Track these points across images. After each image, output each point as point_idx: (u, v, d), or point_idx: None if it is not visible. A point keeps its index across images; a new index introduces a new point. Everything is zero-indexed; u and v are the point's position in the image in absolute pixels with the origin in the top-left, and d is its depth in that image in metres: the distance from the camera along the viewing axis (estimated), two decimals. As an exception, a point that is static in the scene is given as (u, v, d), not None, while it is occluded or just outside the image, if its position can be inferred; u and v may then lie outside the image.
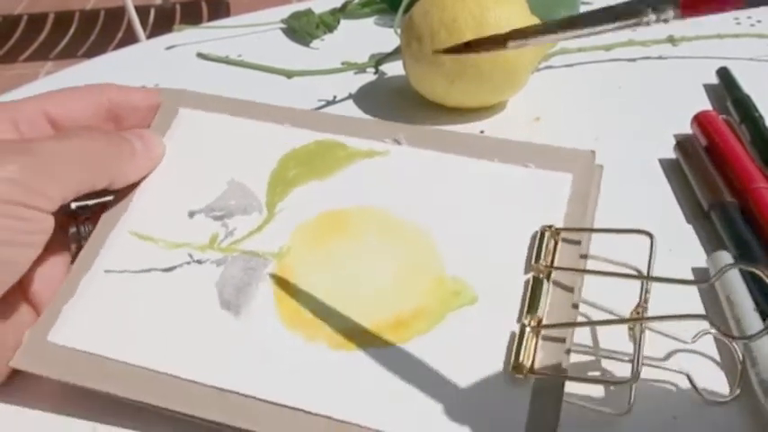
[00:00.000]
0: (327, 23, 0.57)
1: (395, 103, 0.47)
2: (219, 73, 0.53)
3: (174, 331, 0.28)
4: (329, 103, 0.48)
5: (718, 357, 0.29)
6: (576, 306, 0.28)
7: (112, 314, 0.28)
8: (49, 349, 0.27)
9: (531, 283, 0.27)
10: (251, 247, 0.29)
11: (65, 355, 0.27)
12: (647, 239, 0.28)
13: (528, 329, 0.26)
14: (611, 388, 0.28)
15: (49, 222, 0.28)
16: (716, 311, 0.31)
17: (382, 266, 0.29)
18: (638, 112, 0.45)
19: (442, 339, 0.27)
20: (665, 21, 0.19)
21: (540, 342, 0.26)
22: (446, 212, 0.30)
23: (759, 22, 0.53)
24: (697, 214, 0.37)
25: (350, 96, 0.49)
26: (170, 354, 0.27)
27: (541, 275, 0.27)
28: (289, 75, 0.51)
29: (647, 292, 0.27)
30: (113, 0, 2.07)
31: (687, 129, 0.41)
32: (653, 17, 0.19)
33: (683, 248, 0.35)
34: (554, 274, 0.28)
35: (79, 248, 0.31)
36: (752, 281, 0.31)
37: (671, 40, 0.50)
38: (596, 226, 0.31)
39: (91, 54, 1.62)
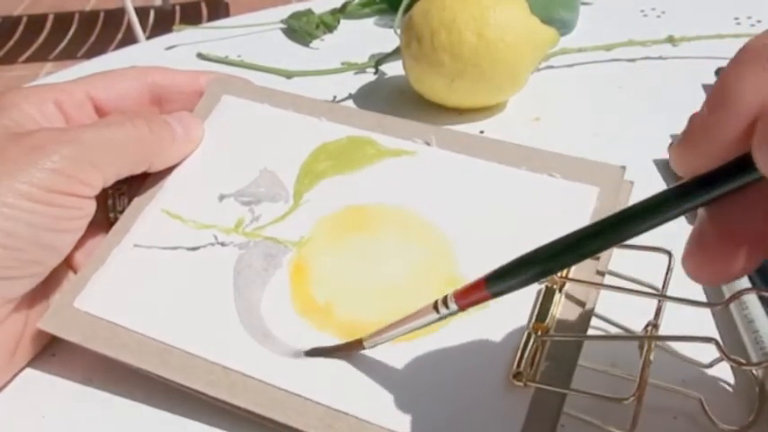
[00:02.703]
0: (327, 23, 0.57)
1: (395, 103, 0.47)
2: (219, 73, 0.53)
3: (190, 308, 0.29)
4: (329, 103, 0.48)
5: (733, 382, 0.28)
6: (586, 319, 0.27)
7: (136, 287, 0.29)
8: (73, 315, 0.29)
9: (543, 292, 0.27)
10: (273, 234, 0.30)
11: (88, 321, 0.28)
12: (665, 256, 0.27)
13: (533, 338, 0.26)
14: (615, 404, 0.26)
15: (90, 208, 0.29)
16: (732, 334, 0.30)
17: (397, 264, 0.29)
18: (638, 112, 0.45)
19: (447, 341, 0.27)
20: (449, 310, 0.23)
21: (546, 352, 0.26)
22: (467, 216, 0.30)
23: (759, 21, 0.53)
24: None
25: (350, 96, 0.49)
26: (183, 329, 0.28)
27: (555, 286, 0.27)
28: (288, 75, 0.51)
29: (660, 310, 0.26)
30: (113, 1, 2.07)
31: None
32: (443, 310, 0.23)
33: (682, 249, 0.35)
34: (567, 286, 0.27)
35: (115, 219, 0.32)
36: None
37: (671, 39, 0.50)
38: None
39: (90, 55, 1.62)
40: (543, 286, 0.28)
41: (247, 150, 0.33)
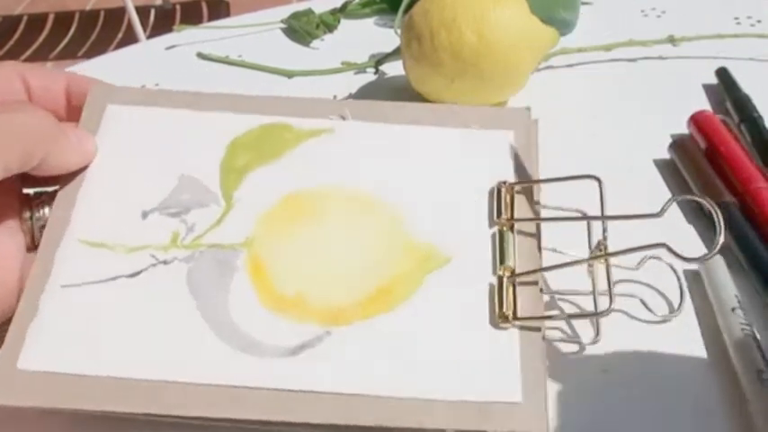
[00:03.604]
0: (327, 23, 0.57)
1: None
2: (219, 73, 0.53)
3: (157, 337, 0.27)
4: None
5: (663, 283, 0.33)
6: (538, 253, 0.29)
7: (83, 329, 0.27)
8: (21, 377, 0.26)
9: (497, 236, 0.29)
10: (216, 240, 0.29)
11: (42, 380, 0.26)
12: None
13: (505, 280, 0.28)
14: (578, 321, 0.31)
15: None
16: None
17: (354, 241, 0.29)
18: (638, 112, 0.45)
19: (425, 302, 0.28)
20: None
21: (518, 289, 0.28)
22: (403, 181, 0.31)
23: (759, 21, 0.53)
24: (697, 214, 0.37)
25: (350, 96, 0.49)
26: (159, 360, 0.26)
27: (505, 228, 0.29)
28: (289, 75, 0.51)
29: (604, 230, 0.29)
30: (113, 0, 2.07)
31: (685, 129, 0.41)
32: None
33: (683, 249, 0.35)
34: (517, 226, 0.29)
35: (35, 233, 0.30)
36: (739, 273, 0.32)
37: (671, 39, 0.50)
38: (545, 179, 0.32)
39: (91, 54, 1.62)
40: (496, 231, 0.29)
41: (156, 159, 0.31)
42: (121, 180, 0.30)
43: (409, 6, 0.47)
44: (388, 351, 0.27)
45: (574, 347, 0.30)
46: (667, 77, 0.48)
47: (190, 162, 0.31)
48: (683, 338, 0.31)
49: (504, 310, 0.27)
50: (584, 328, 0.30)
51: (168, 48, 0.57)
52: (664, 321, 0.31)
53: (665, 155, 0.41)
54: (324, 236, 0.29)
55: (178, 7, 2.11)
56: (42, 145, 0.28)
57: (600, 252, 0.29)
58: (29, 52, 1.98)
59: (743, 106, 0.42)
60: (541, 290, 0.28)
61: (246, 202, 0.30)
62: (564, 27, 0.52)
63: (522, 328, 0.27)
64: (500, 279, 0.28)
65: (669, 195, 0.38)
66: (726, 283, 0.31)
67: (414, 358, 0.26)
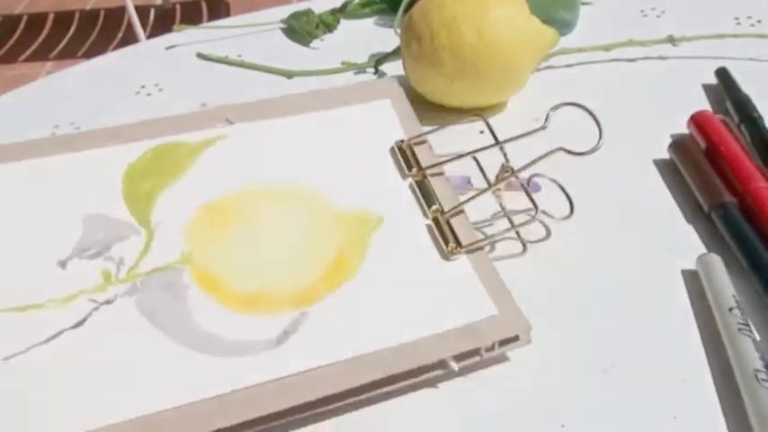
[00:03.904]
0: (327, 23, 0.57)
1: (395, 103, 0.47)
2: (219, 73, 0.53)
3: (128, 376, 0.26)
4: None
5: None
6: (451, 189, 0.32)
7: (46, 396, 0.25)
8: None
9: (415, 186, 0.32)
10: (152, 266, 0.28)
11: None
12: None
13: (440, 219, 0.31)
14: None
15: None
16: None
17: (288, 228, 0.30)
18: (638, 112, 0.45)
19: (380, 259, 0.29)
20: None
21: (452, 224, 0.30)
22: (310, 164, 0.32)
23: (759, 22, 0.53)
24: (697, 214, 0.37)
25: (350, 96, 0.49)
26: (140, 396, 0.25)
27: (418, 178, 0.32)
28: (289, 75, 0.51)
29: (505, 155, 0.34)
30: (113, 0, 2.07)
31: (685, 129, 0.41)
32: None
33: (683, 249, 0.35)
34: (428, 172, 0.32)
35: None
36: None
37: (671, 39, 0.50)
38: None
39: (91, 54, 1.62)
40: (413, 182, 0.32)
41: (50, 209, 0.29)
42: (19, 239, 0.28)
43: (409, 6, 0.47)
44: (367, 310, 0.28)
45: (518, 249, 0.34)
46: (667, 77, 0.48)
47: (89, 202, 0.29)
48: (681, 338, 0.31)
49: (451, 243, 0.30)
50: (512, 242, 0.34)
51: (168, 48, 0.57)
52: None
53: (665, 155, 0.41)
54: (258, 231, 0.30)
55: (178, 7, 2.12)
56: None
57: (506, 173, 0.34)
58: (29, 52, 1.98)
59: (743, 106, 0.42)
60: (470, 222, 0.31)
61: (167, 223, 0.29)
62: (564, 27, 0.52)
63: (468, 252, 0.30)
64: (435, 220, 0.31)
65: (669, 195, 0.38)
66: (724, 283, 0.31)
67: (391, 309, 0.28)
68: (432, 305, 0.28)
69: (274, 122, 0.32)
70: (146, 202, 0.30)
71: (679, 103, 0.44)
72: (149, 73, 0.54)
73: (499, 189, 0.34)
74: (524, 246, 0.33)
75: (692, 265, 0.34)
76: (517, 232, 0.33)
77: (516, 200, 0.35)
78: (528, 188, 0.34)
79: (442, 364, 0.27)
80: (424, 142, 0.33)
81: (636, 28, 0.53)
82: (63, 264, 0.28)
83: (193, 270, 0.28)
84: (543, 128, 0.32)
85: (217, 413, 0.25)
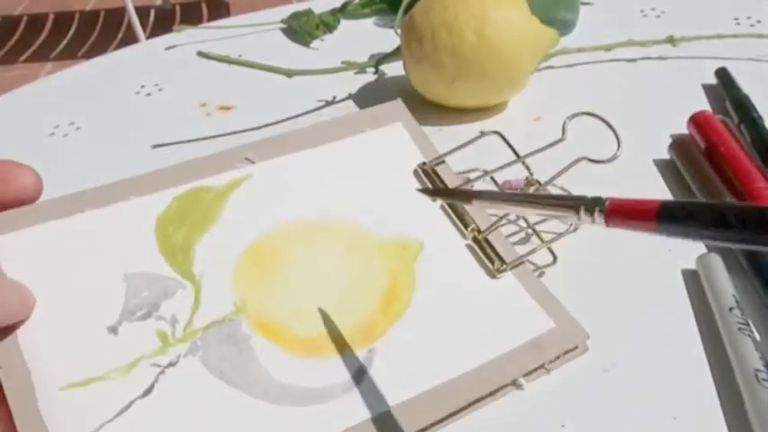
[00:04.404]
0: (327, 23, 0.57)
1: (395, 103, 0.47)
2: (219, 73, 0.53)
3: None
4: (329, 103, 0.48)
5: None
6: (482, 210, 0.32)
7: None
8: None
9: (447, 207, 0.32)
10: (208, 321, 0.27)
11: None
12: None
13: (481, 239, 0.30)
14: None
15: None
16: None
17: (332, 264, 0.29)
18: (638, 112, 0.45)
19: (429, 284, 0.29)
20: (593, 222, 0.20)
21: (491, 242, 0.31)
22: (339, 196, 0.31)
23: (759, 22, 0.53)
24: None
25: (350, 96, 0.49)
26: None
27: (445, 202, 0.32)
28: (289, 74, 0.51)
29: (528, 168, 0.34)
30: (113, 1, 2.07)
31: (684, 129, 0.41)
32: (585, 217, 0.20)
33: (683, 249, 0.35)
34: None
35: None
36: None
37: (671, 40, 0.50)
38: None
39: (91, 55, 1.62)
40: (444, 204, 0.32)
41: (85, 272, 0.28)
42: (61, 308, 0.26)
43: (409, 6, 0.47)
44: (431, 339, 0.28)
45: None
46: (667, 77, 0.48)
47: (125, 260, 0.28)
48: (681, 338, 0.31)
49: (496, 262, 0.30)
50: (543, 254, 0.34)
51: (168, 48, 0.57)
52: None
53: (665, 155, 0.41)
54: (305, 270, 0.29)
55: (178, 7, 2.12)
56: None
57: (531, 187, 0.34)
58: (29, 52, 1.98)
59: (742, 106, 0.42)
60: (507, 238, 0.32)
61: (211, 273, 0.28)
62: (564, 27, 0.52)
63: (513, 268, 0.30)
64: (475, 240, 0.31)
65: (669, 195, 0.38)
66: (724, 283, 0.31)
67: (454, 334, 0.28)
68: (491, 325, 0.28)
69: (295, 157, 0.32)
70: (184, 254, 0.29)
71: (679, 103, 0.44)
72: (149, 73, 0.54)
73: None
74: (555, 258, 0.33)
75: (692, 265, 0.34)
76: (549, 248, 0.33)
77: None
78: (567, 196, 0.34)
79: (514, 382, 0.27)
80: (443, 162, 0.33)
81: (636, 28, 0.53)
82: (114, 329, 0.27)
83: (251, 319, 0.27)
84: (562, 140, 0.32)
85: None
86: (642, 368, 0.30)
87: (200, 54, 0.55)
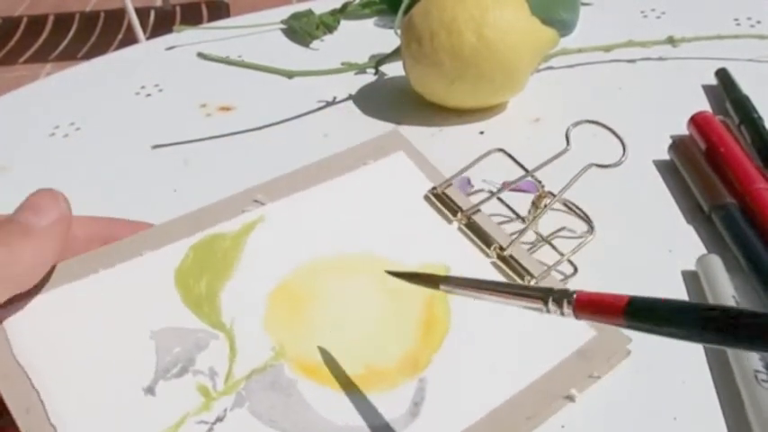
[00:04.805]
0: (327, 24, 0.57)
1: (395, 103, 0.47)
2: (219, 73, 0.53)
3: None
4: (329, 104, 0.48)
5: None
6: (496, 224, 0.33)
7: None
8: None
9: (465, 229, 0.32)
10: (249, 369, 0.26)
11: None
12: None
13: (506, 256, 0.31)
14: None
15: None
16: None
17: (363, 298, 0.29)
18: (638, 112, 0.45)
19: (463, 308, 0.29)
20: (562, 314, 0.20)
21: (516, 257, 0.30)
22: (356, 230, 0.31)
23: (759, 22, 0.53)
24: (697, 215, 0.37)
25: (350, 97, 0.49)
26: None
27: (465, 220, 0.32)
28: (289, 75, 0.51)
29: (539, 181, 0.34)
30: (113, 2, 2.07)
31: (685, 130, 0.41)
32: (554, 308, 0.20)
33: (683, 250, 0.35)
34: (470, 214, 0.32)
35: None
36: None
37: (671, 40, 0.50)
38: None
39: (91, 56, 1.62)
40: (461, 226, 0.32)
41: (111, 332, 0.27)
42: (89, 377, 0.25)
43: (409, 7, 0.47)
44: (479, 361, 0.27)
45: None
46: (667, 78, 0.48)
47: (149, 317, 0.27)
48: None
49: (527, 276, 0.30)
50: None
51: (168, 48, 0.57)
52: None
53: (665, 156, 0.41)
54: (338, 307, 0.29)
55: (178, 9, 2.12)
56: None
57: (543, 199, 0.34)
58: (29, 53, 1.98)
59: (742, 107, 0.42)
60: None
61: (242, 319, 0.27)
62: (564, 28, 0.52)
63: (542, 281, 0.30)
64: (500, 257, 0.31)
65: (669, 196, 0.38)
66: (723, 284, 0.31)
67: (501, 353, 0.28)
68: (534, 341, 0.28)
69: (304, 195, 0.32)
70: (210, 304, 0.28)
71: (679, 103, 0.44)
72: (149, 73, 0.54)
73: (537, 216, 0.34)
74: (575, 269, 0.33)
75: (691, 266, 0.34)
76: (570, 260, 0.33)
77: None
78: (576, 210, 0.35)
79: (567, 395, 0.27)
80: (450, 185, 0.33)
81: (636, 29, 0.53)
82: (151, 390, 0.25)
83: (293, 362, 0.27)
84: (568, 149, 0.32)
85: None
86: (642, 368, 0.30)
87: (200, 55, 0.55)
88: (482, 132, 0.44)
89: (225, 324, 0.27)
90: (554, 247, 0.34)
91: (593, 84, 0.48)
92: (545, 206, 0.34)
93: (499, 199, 0.35)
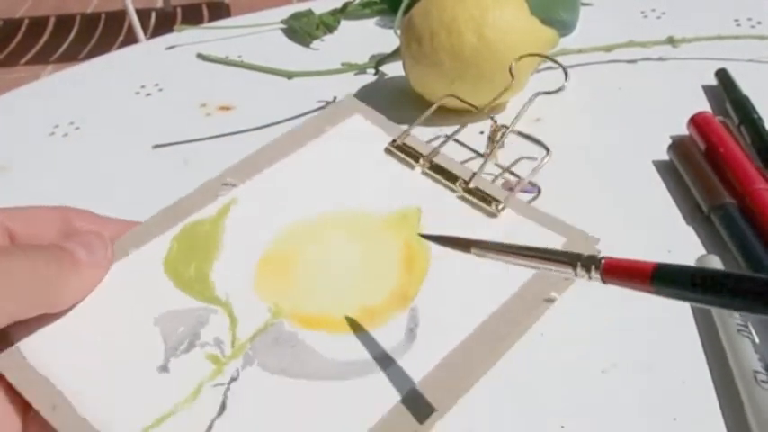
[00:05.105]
0: (327, 24, 0.57)
1: (395, 103, 0.47)
2: (219, 73, 0.53)
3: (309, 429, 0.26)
4: (329, 104, 0.48)
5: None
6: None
7: None
8: None
9: (429, 172, 0.33)
10: (252, 331, 0.28)
11: None
12: None
13: (470, 189, 0.32)
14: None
15: None
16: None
17: (348, 250, 0.30)
18: (638, 113, 0.45)
19: (440, 247, 0.30)
20: (590, 279, 0.20)
21: (480, 187, 0.32)
22: (329, 192, 0.32)
23: (759, 23, 0.53)
24: (696, 216, 0.37)
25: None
26: None
27: (427, 165, 0.33)
28: (289, 75, 0.51)
29: (491, 117, 0.37)
30: (114, 3, 2.07)
31: (685, 130, 0.41)
32: (582, 272, 0.21)
33: (682, 250, 0.35)
34: (431, 158, 0.33)
35: None
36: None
37: (671, 41, 0.50)
38: None
39: (92, 57, 1.62)
40: (425, 170, 0.33)
41: (115, 328, 0.28)
42: (103, 369, 0.27)
43: (409, 7, 0.47)
44: (460, 283, 0.29)
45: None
46: (667, 79, 0.48)
47: (148, 307, 0.29)
48: (681, 339, 0.31)
49: (494, 203, 0.31)
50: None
51: (168, 48, 0.57)
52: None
53: (665, 156, 0.41)
54: (323, 263, 0.30)
55: (179, 10, 2.12)
56: (42, 294, 0.25)
57: (500, 132, 0.37)
58: (30, 54, 1.98)
59: (743, 107, 0.42)
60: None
61: (235, 291, 0.29)
62: (564, 28, 0.52)
63: (508, 206, 0.31)
64: (466, 190, 0.32)
65: (669, 197, 0.38)
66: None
67: (481, 272, 0.29)
68: (499, 280, 0.29)
69: (272, 170, 0.33)
70: (202, 284, 0.29)
71: (679, 104, 0.44)
72: (149, 73, 0.54)
73: (494, 148, 0.37)
74: (539, 190, 0.35)
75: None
76: (531, 182, 0.35)
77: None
78: (530, 137, 0.37)
79: (548, 299, 0.28)
80: (408, 135, 0.34)
81: (636, 29, 0.53)
82: (164, 368, 0.27)
83: (291, 318, 0.28)
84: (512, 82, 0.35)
85: (411, 418, 0.25)
86: (642, 368, 0.30)
87: (200, 56, 0.55)
88: (482, 132, 0.44)
89: (220, 298, 0.29)
90: (514, 174, 0.35)
91: (593, 84, 0.48)
92: (501, 137, 0.36)
93: (456, 140, 0.37)
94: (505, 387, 0.30)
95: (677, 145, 0.40)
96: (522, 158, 0.39)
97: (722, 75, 0.46)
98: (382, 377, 0.26)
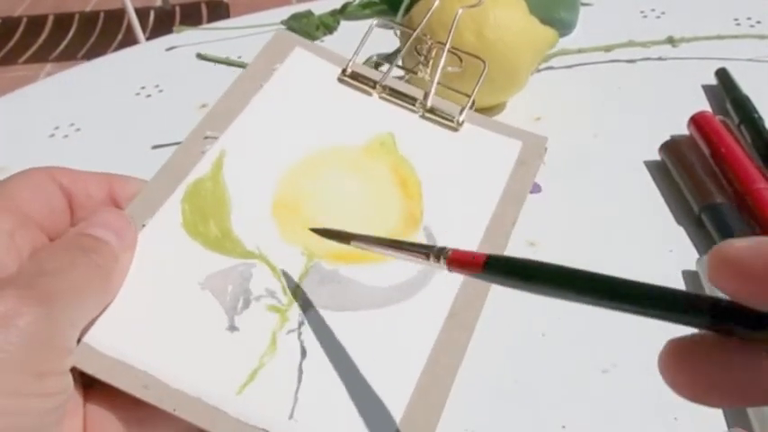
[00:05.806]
0: (327, 25, 0.57)
1: (395, 103, 0.47)
2: (219, 74, 0.53)
3: (388, 355, 0.28)
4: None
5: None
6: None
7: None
8: None
9: (387, 97, 0.34)
10: (296, 277, 0.29)
11: None
12: None
13: (429, 108, 0.33)
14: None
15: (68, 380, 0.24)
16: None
17: (350, 185, 0.32)
18: (638, 113, 0.45)
19: (421, 161, 0.32)
20: (439, 266, 0.23)
21: (437, 107, 0.33)
22: (304, 131, 0.33)
23: (759, 22, 0.53)
24: (689, 216, 0.37)
25: (350, 97, 0.49)
26: (409, 364, 0.27)
27: (383, 92, 0.34)
28: (289, 76, 0.51)
29: (425, 35, 0.38)
30: (113, 2, 2.07)
31: (685, 130, 0.41)
32: (433, 261, 0.23)
33: (683, 250, 0.35)
34: (386, 84, 0.34)
35: None
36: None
37: (671, 40, 0.50)
38: None
39: (91, 56, 1.62)
40: (378, 95, 0.34)
41: (164, 299, 0.28)
42: (173, 344, 0.27)
43: (409, 7, 0.47)
44: (456, 194, 0.31)
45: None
46: (667, 78, 0.48)
47: (186, 275, 0.29)
48: (683, 339, 0.31)
49: (455, 117, 0.33)
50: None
51: (168, 49, 0.57)
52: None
53: (655, 157, 0.41)
54: (333, 200, 0.31)
55: (178, 9, 2.12)
56: (106, 292, 0.26)
57: (432, 48, 0.38)
58: (29, 53, 1.98)
59: (743, 107, 0.42)
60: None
61: (265, 243, 0.30)
62: (564, 28, 0.52)
63: (466, 120, 0.33)
64: (427, 110, 0.33)
65: (669, 196, 0.38)
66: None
67: (467, 180, 0.31)
68: (486, 163, 0.32)
69: (244, 116, 0.33)
70: (229, 240, 0.30)
71: (679, 103, 0.44)
72: (149, 74, 0.54)
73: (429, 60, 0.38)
74: (473, 102, 0.35)
75: (692, 267, 0.34)
76: (467, 94, 0.35)
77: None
78: (464, 52, 0.38)
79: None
80: (353, 62, 0.35)
81: (636, 29, 0.53)
82: (233, 327, 0.27)
83: (326, 257, 0.30)
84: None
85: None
86: (642, 368, 0.30)
87: (200, 57, 0.55)
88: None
89: (253, 252, 0.29)
90: (457, 91, 0.35)
91: (592, 84, 0.48)
92: (436, 54, 0.37)
93: (399, 66, 0.38)
94: (506, 387, 0.30)
95: (668, 146, 0.40)
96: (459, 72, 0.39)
97: (722, 74, 0.46)
98: (426, 294, 0.28)
